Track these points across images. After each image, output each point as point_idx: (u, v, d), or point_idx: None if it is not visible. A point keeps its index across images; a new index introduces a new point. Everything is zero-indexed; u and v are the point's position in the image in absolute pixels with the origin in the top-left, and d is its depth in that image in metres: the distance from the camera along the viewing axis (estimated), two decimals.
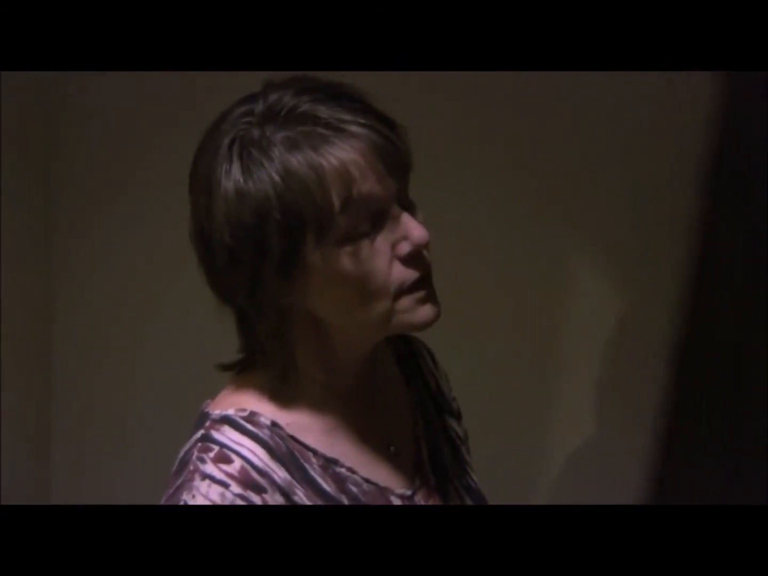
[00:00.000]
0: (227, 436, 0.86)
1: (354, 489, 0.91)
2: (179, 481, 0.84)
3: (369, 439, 0.95)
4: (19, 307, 2.02)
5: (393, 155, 0.83)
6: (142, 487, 2.02)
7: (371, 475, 0.93)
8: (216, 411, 0.89)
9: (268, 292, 0.84)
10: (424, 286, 0.87)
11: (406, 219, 0.85)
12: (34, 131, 1.99)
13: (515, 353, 1.86)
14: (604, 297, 1.81)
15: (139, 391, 2.11)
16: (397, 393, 1.04)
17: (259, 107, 0.83)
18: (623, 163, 1.73)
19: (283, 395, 0.91)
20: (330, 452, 0.91)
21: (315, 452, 0.90)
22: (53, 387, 2.15)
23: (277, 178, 0.80)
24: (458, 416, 1.12)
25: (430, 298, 0.87)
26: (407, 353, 1.08)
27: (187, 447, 0.87)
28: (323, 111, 0.81)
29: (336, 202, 0.80)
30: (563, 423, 1.87)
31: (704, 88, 1.62)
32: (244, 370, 0.94)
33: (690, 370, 1.68)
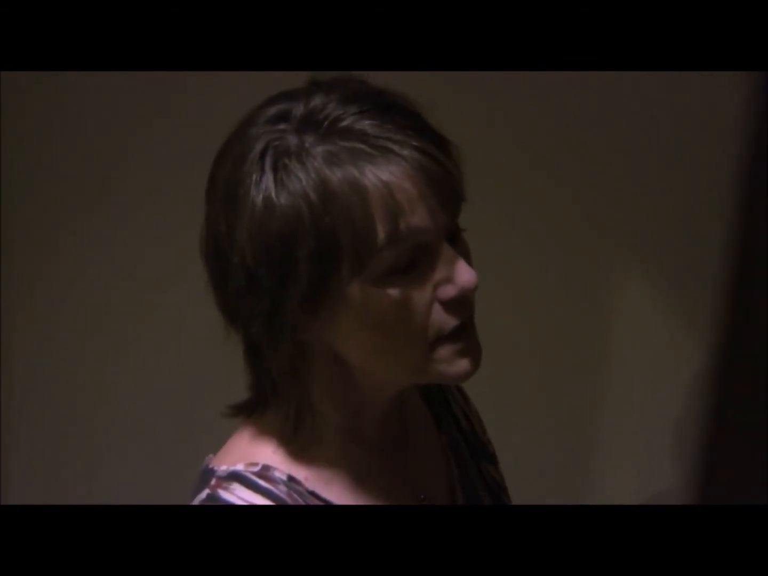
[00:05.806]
0: (237, 495, 0.76)
1: None
2: None
3: (397, 491, 0.85)
4: None
5: (447, 185, 0.73)
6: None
7: None
8: (222, 467, 0.79)
9: (287, 324, 0.74)
10: (466, 334, 0.76)
11: (455, 259, 0.75)
12: None
13: (557, 381, 1.74)
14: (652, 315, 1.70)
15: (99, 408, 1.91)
16: (427, 436, 0.94)
17: (300, 110, 0.73)
18: (667, 174, 1.62)
19: (299, 444, 0.80)
20: None
21: None
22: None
23: (313, 196, 0.70)
24: (494, 460, 1.02)
25: (472, 349, 0.77)
26: (435, 390, 0.98)
27: None
28: (370, 127, 0.71)
29: (381, 233, 0.70)
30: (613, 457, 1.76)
31: (742, 87, 1.51)
32: (254, 414, 0.83)
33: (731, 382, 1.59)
